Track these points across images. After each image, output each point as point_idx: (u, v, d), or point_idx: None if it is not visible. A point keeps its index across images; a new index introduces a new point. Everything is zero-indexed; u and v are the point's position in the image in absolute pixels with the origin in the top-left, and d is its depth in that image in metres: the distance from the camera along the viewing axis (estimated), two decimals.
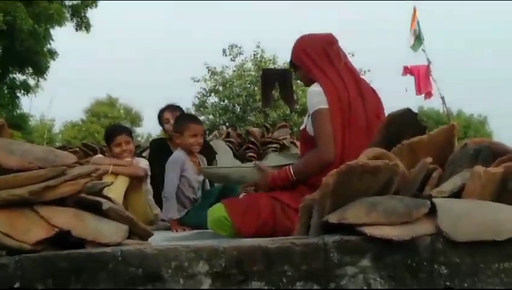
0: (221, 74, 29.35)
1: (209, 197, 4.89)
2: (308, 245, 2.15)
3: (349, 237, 2.16)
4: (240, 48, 29.25)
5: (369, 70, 28.01)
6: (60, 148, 9.42)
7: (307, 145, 3.86)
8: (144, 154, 7.47)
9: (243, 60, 29.35)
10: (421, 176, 2.47)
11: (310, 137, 3.79)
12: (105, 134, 6.11)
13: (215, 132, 10.57)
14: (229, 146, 8.95)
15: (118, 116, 41.75)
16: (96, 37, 23.00)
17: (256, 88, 26.70)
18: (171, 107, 6.35)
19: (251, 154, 9.28)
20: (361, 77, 4.14)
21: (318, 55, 3.94)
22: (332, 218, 2.25)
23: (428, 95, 18.62)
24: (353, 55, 25.99)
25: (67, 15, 19.39)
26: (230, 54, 29.33)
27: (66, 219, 2.34)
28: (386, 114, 3.62)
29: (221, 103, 29.15)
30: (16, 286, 2.10)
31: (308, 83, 3.91)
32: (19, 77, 19.88)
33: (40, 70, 19.22)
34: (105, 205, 2.51)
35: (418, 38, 18.26)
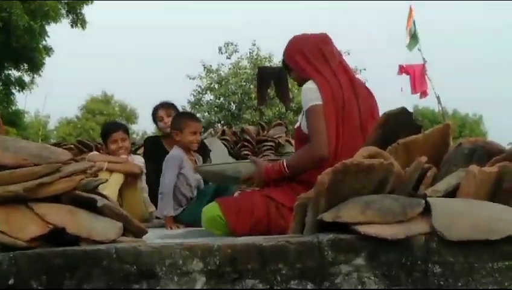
0: (216, 72, 29.33)
1: (204, 196, 4.89)
2: (302, 243, 2.15)
3: (343, 235, 2.16)
4: (235, 45, 29.25)
5: (364, 69, 28.06)
6: (55, 145, 9.39)
7: (301, 143, 3.86)
8: (138, 152, 7.46)
9: (238, 58, 29.35)
10: (416, 175, 2.47)
11: (305, 135, 3.78)
12: (102, 131, 6.11)
13: (211, 130, 10.56)
14: (224, 144, 8.96)
15: (113, 114, 41.72)
16: (91, 34, 22.95)
17: (251, 86, 26.69)
18: (165, 105, 6.33)
19: (246, 152, 9.28)
20: (356, 76, 4.15)
21: (313, 54, 3.94)
22: (327, 216, 2.25)
23: (424, 94, 18.66)
24: (348, 54, 26.08)
25: (63, 11, 19.34)
26: (226, 52, 29.33)
27: (60, 215, 2.34)
28: (381, 114, 3.64)
29: (217, 100, 29.13)
30: (10, 282, 2.10)
31: (302, 83, 3.90)
32: (14, 73, 19.85)
33: (36, 67, 19.17)
34: (100, 202, 2.51)
35: (414, 38, 18.28)
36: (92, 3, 20.11)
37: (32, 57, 18.62)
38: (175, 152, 5.20)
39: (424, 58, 18.46)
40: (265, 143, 9.61)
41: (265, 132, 10.18)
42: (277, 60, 27.11)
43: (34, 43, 18.28)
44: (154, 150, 6.06)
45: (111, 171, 5.31)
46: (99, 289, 2.11)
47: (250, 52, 29.23)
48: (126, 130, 5.89)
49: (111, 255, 2.13)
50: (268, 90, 5.09)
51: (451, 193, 2.36)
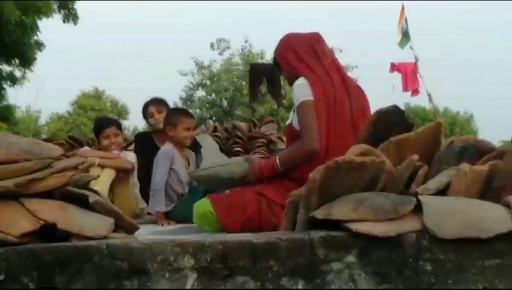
0: (208, 68, 29.31)
1: (195, 192, 4.88)
2: (294, 240, 2.15)
3: (335, 232, 2.16)
4: (227, 42, 29.24)
5: (356, 67, 28.11)
6: (46, 140, 9.36)
7: (293, 140, 3.86)
8: (129, 148, 7.43)
9: (230, 55, 29.34)
10: (408, 173, 2.48)
11: (296, 132, 3.79)
12: (95, 126, 6.08)
13: (202, 126, 10.53)
14: (215, 140, 8.94)
15: (104, 109, 41.59)
16: (83, 29, 22.91)
17: (243, 83, 26.70)
18: (155, 101, 6.31)
19: (237, 148, 9.27)
20: (348, 75, 4.16)
21: (305, 52, 3.94)
22: (319, 214, 2.25)
23: (415, 92, 18.70)
24: (341, 51, 26.12)
25: (55, 7, 19.28)
26: (218, 48, 29.32)
27: (51, 211, 2.34)
28: (372, 112, 3.65)
29: (209, 97, 29.13)
30: (0, 278, 2.10)
31: (293, 81, 3.91)
32: (5, 68, 19.76)
33: (27, 62, 19.10)
34: (92, 198, 2.51)
35: (406, 36, 18.31)
36: None
37: (24, 52, 18.55)
38: (166, 148, 5.19)
39: (415, 56, 18.49)
40: (257, 140, 9.60)
41: (257, 129, 10.17)
42: (269, 57, 27.10)
43: (25, 38, 18.21)
44: (145, 146, 6.05)
45: (102, 166, 5.30)
46: (89, 286, 2.11)
47: (242, 49, 29.24)
48: (119, 126, 5.88)
49: (102, 251, 2.13)
50: (260, 87, 5.06)
51: (443, 191, 2.36)
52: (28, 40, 18.55)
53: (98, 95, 43.52)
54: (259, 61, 26.51)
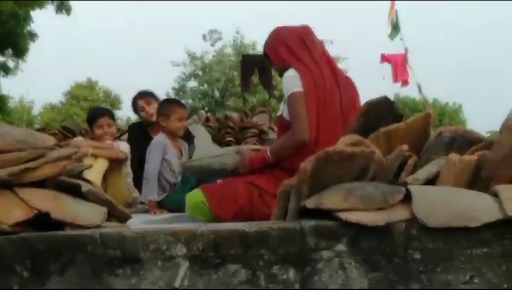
0: (200, 59, 29.27)
1: (188, 181, 4.91)
2: (285, 230, 2.17)
3: (325, 222, 2.18)
4: (219, 33, 29.19)
5: (347, 58, 28.12)
6: (40, 130, 9.36)
7: (283, 131, 3.88)
8: (122, 138, 7.44)
9: (222, 46, 29.30)
10: (397, 163, 2.50)
11: (287, 123, 3.81)
12: (88, 115, 6.09)
13: (195, 117, 10.54)
14: (208, 131, 8.95)
15: (97, 99, 41.47)
16: (76, 20, 22.81)
17: (235, 73, 26.68)
18: (143, 94, 6.30)
19: (229, 139, 9.29)
20: (338, 66, 4.18)
21: (295, 44, 3.96)
22: (310, 203, 2.27)
23: (405, 83, 18.72)
24: (331, 43, 26.11)
25: None
26: (210, 39, 29.29)
27: (45, 201, 2.35)
28: (362, 102, 3.67)
29: (201, 87, 29.10)
30: None
31: (283, 73, 3.92)
32: None
33: (20, 52, 19.08)
34: (85, 187, 2.53)
35: (396, 27, 18.32)
36: None
37: (17, 42, 18.51)
38: (159, 138, 5.22)
39: (405, 48, 18.50)
40: (249, 130, 9.62)
41: (249, 119, 10.18)
42: (261, 48, 27.03)
43: (18, 29, 18.17)
44: (139, 136, 6.06)
45: (95, 156, 5.31)
46: (83, 274, 2.13)
47: (234, 40, 29.21)
48: (112, 116, 5.89)
49: (95, 240, 2.15)
50: (252, 78, 5.08)
51: (432, 181, 2.38)
52: (21, 31, 18.52)
53: (91, 86, 43.39)
54: (251, 52, 26.49)
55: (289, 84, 3.79)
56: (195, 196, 3.80)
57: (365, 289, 2.13)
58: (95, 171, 5.12)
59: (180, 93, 29.31)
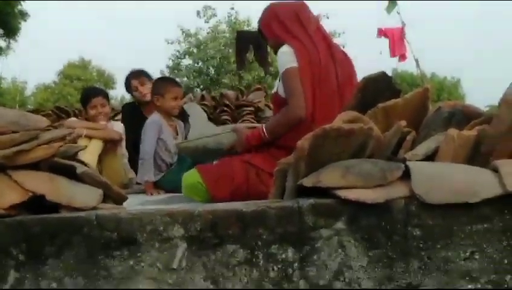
0: (195, 36, 29.15)
1: (184, 161, 4.88)
2: (283, 208, 2.16)
3: (323, 200, 2.17)
4: (213, 9, 29.04)
5: (343, 33, 28.05)
6: (33, 111, 9.34)
7: (279, 108, 3.87)
8: (117, 118, 7.41)
9: (217, 22, 29.17)
10: (396, 139, 2.48)
11: (282, 100, 3.79)
12: (81, 96, 6.05)
13: (190, 95, 10.51)
14: (203, 109, 8.92)
15: (90, 79, 41.44)
16: None
17: (230, 50, 26.58)
18: (136, 74, 6.24)
19: (225, 117, 9.28)
20: (334, 42, 4.15)
21: (289, 20, 3.94)
22: (307, 181, 2.26)
23: (403, 57, 18.63)
24: (328, 18, 26.04)
25: None
26: (204, 16, 29.11)
27: (39, 183, 2.33)
28: (359, 78, 3.65)
29: (196, 65, 29.01)
30: None
31: (278, 48, 3.90)
32: None
33: (11, 32, 18.98)
34: (80, 169, 2.50)
35: (392, 1, 18.21)
36: None
37: (8, 22, 18.40)
38: (154, 118, 5.18)
39: (402, 22, 18.40)
40: (245, 108, 9.60)
41: (245, 97, 10.17)
42: (256, 24, 26.94)
43: (9, 8, 18.06)
44: (133, 116, 6.03)
45: (90, 137, 5.28)
46: (79, 257, 2.11)
47: (228, 16, 29.08)
48: (106, 96, 5.84)
49: (91, 222, 2.13)
50: (247, 55, 5.06)
51: (431, 157, 2.37)
52: (12, 10, 18.39)
53: (84, 65, 43.35)
54: (246, 28, 26.39)
55: (283, 60, 3.77)
56: (192, 177, 3.79)
57: None
58: (90, 153, 5.09)
59: (175, 71, 29.23)
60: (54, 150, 2.47)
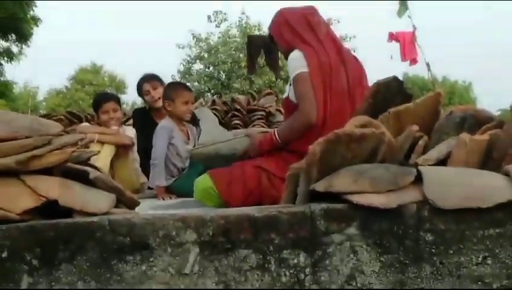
0: (206, 41, 29.17)
1: (196, 166, 4.89)
2: (295, 213, 2.16)
3: (335, 205, 2.17)
4: (224, 14, 29.04)
5: (354, 37, 28.01)
6: (45, 116, 9.39)
7: (290, 113, 3.88)
8: (128, 123, 7.43)
9: (228, 27, 29.18)
10: (407, 144, 2.48)
11: (293, 105, 3.80)
12: (93, 101, 6.06)
13: (201, 100, 10.53)
14: (214, 114, 8.93)
15: (102, 84, 41.57)
16: (80, 4, 22.79)
17: (241, 55, 26.57)
18: (149, 78, 6.24)
19: (237, 122, 9.28)
20: (344, 46, 4.16)
21: (299, 25, 3.95)
22: (319, 186, 2.26)
23: (414, 61, 18.56)
24: (338, 22, 26.03)
25: None
26: (215, 21, 29.13)
27: (53, 188, 2.34)
28: (369, 81, 3.66)
29: (207, 69, 29.01)
30: (3, 255, 2.11)
31: (288, 54, 3.91)
32: (2, 44, 19.73)
33: (24, 37, 19.07)
34: (92, 174, 2.51)
35: (403, 4, 18.16)
36: None
37: (20, 27, 18.49)
38: (165, 123, 5.19)
39: (414, 25, 18.35)
40: (256, 113, 9.60)
41: (256, 102, 10.16)
42: (266, 29, 26.92)
43: (21, 13, 18.14)
44: (144, 121, 6.04)
45: (102, 142, 5.29)
46: (92, 261, 2.12)
47: (239, 21, 29.09)
48: (118, 101, 5.85)
49: (104, 227, 2.14)
50: (258, 59, 5.07)
51: (443, 162, 2.36)
52: (25, 15, 18.48)
53: (95, 70, 43.50)
54: (257, 33, 26.39)
55: (294, 65, 3.78)
56: (204, 182, 3.80)
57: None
58: (102, 158, 5.09)
59: (186, 76, 29.23)
60: (67, 155, 2.48)
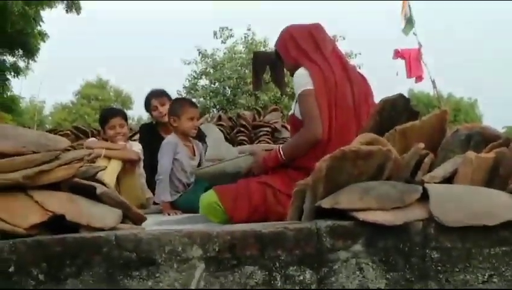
0: (211, 57, 29.23)
1: (202, 182, 4.89)
2: (300, 230, 2.16)
3: (341, 222, 2.17)
4: (230, 30, 29.14)
5: (360, 54, 28.06)
6: (51, 131, 9.43)
7: (296, 130, 3.88)
8: (134, 138, 7.44)
9: (233, 43, 29.25)
10: (414, 161, 2.48)
11: (299, 121, 3.81)
12: (100, 116, 6.08)
13: (207, 115, 10.56)
14: (220, 130, 8.95)
15: (108, 99, 41.68)
16: (86, 19, 22.90)
17: (247, 71, 26.62)
18: (157, 94, 6.25)
19: (242, 137, 9.30)
20: (350, 63, 4.17)
21: (305, 42, 3.97)
22: (325, 203, 2.26)
23: (419, 78, 18.62)
24: (344, 39, 26.11)
25: None
26: (221, 37, 29.21)
27: (60, 203, 2.35)
28: (375, 98, 3.66)
29: (212, 85, 29.05)
30: (10, 270, 2.11)
31: (294, 72, 3.92)
32: (9, 58, 19.81)
33: (30, 52, 19.16)
34: (99, 189, 2.52)
35: (409, 22, 18.23)
36: None
37: (27, 42, 18.59)
38: (170, 138, 5.20)
39: (419, 43, 18.41)
40: (261, 128, 9.62)
41: (261, 117, 10.19)
42: (272, 45, 26.95)
43: (28, 29, 18.24)
44: (150, 136, 6.04)
45: (109, 158, 5.31)
46: (99, 277, 2.13)
47: (245, 37, 29.16)
48: (124, 116, 5.87)
49: (111, 243, 2.14)
50: (264, 75, 5.09)
51: (449, 179, 2.37)
52: (31, 31, 18.58)
53: (101, 85, 43.62)
54: (262, 49, 26.46)
55: (300, 82, 3.80)
56: (209, 197, 3.79)
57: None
58: (109, 173, 5.11)
59: (192, 91, 29.27)
60: (74, 171, 2.49)
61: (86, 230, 2.30)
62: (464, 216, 2.12)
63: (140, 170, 5.69)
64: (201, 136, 5.91)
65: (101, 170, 2.94)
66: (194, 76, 29.69)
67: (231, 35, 29.20)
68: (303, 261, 2.14)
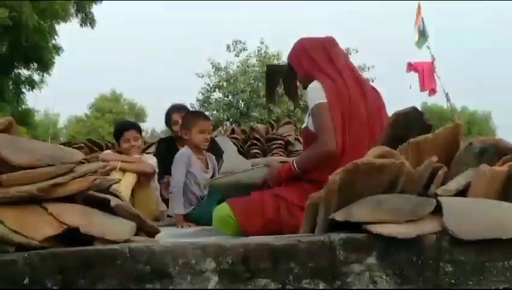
0: (225, 70, 29.31)
1: (215, 194, 4.89)
2: (314, 243, 2.16)
3: (355, 234, 2.17)
4: (243, 43, 29.22)
5: (373, 67, 28.08)
6: (65, 143, 9.47)
7: (310, 143, 3.88)
8: (148, 151, 7.46)
9: (247, 56, 29.32)
10: (427, 174, 2.48)
11: (313, 135, 3.81)
12: (114, 129, 6.12)
13: (220, 128, 10.58)
14: (233, 142, 8.97)
15: (121, 112, 41.85)
16: (100, 32, 23.04)
17: (260, 84, 26.69)
18: (178, 108, 6.28)
19: (256, 150, 9.31)
20: (363, 76, 4.18)
21: (318, 55, 3.98)
22: (339, 216, 2.26)
23: (432, 91, 18.57)
24: (357, 52, 26.14)
25: (72, 11, 19.47)
26: (234, 50, 29.31)
27: (74, 216, 2.36)
28: (388, 111, 3.66)
29: (225, 98, 29.11)
30: (25, 282, 2.12)
31: (307, 85, 3.93)
32: (24, 72, 19.99)
33: (45, 66, 19.30)
34: (114, 202, 2.53)
35: (423, 35, 18.20)
36: (101, 2, 20.26)
37: (42, 56, 18.73)
38: (183, 151, 5.21)
39: (432, 56, 18.37)
40: (275, 141, 9.63)
41: (275, 130, 10.20)
42: (285, 58, 26.94)
43: (43, 42, 18.38)
44: (168, 150, 6.05)
45: (124, 170, 5.33)
46: (113, 289, 2.13)
47: (258, 50, 29.23)
48: (139, 129, 5.90)
49: (125, 255, 2.15)
50: (277, 88, 5.11)
51: (462, 192, 2.36)
52: (46, 44, 18.72)
53: (115, 98, 43.83)
54: (276, 62, 26.50)
55: (313, 95, 3.80)
56: (222, 210, 3.79)
57: None
58: (124, 186, 5.13)
59: (205, 104, 29.35)
60: (89, 183, 2.51)
61: (100, 242, 2.31)
62: (477, 229, 2.11)
63: (155, 183, 5.70)
64: (218, 151, 5.91)
65: (115, 183, 2.95)
66: (207, 89, 29.77)
67: (244, 49, 29.29)
68: (316, 274, 2.13)
